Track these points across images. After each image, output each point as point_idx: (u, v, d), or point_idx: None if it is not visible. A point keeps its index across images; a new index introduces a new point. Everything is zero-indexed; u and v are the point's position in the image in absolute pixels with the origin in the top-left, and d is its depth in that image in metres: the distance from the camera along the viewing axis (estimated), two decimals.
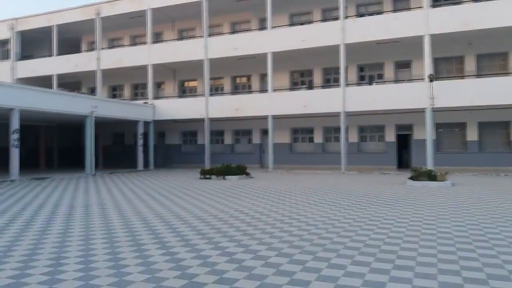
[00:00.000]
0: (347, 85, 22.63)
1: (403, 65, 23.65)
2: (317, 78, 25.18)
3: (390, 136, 23.48)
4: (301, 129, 25.83)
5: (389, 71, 23.66)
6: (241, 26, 27.21)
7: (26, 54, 31.57)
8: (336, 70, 23.99)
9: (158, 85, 29.55)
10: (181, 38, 28.50)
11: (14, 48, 30.56)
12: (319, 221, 7.69)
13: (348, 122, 22.68)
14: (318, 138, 25.07)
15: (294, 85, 26.09)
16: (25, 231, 6.96)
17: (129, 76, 29.38)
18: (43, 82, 28.75)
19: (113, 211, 9.01)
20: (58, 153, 29.34)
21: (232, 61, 25.48)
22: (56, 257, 5.30)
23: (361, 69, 24.65)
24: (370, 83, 23.84)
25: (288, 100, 23.29)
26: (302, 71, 25.99)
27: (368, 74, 24.55)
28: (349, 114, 22.22)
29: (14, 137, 17.63)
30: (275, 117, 23.57)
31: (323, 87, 24.64)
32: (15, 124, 17.64)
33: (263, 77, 26.14)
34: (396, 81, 23.38)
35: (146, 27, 26.49)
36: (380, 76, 24.10)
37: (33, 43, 31.56)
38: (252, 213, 8.59)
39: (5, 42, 31.60)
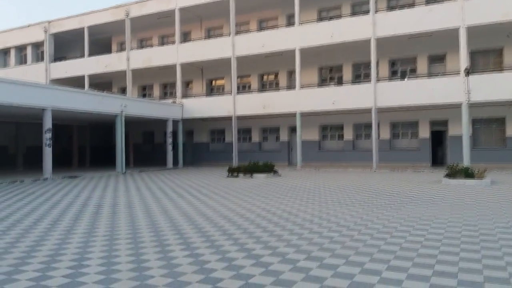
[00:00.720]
0: (378, 80, 21.97)
1: (437, 59, 22.72)
2: (347, 74, 24.57)
3: (424, 132, 22.61)
4: (330, 126, 25.30)
5: (422, 66, 22.78)
6: (268, 23, 26.91)
7: (59, 55, 32.42)
8: (367, 65, 23.34)
9: (187, 84, 29.68)
10: (208, 37, 28.48)
11: (48, 50, 31.42)
12: (350, 221, 7.33)
13: (380, 118, 22.02)
14: (348, 135, 24.47)
15: (323, 82, 25.57)
16: (51, 230, 6.94)
17: (158, 75, 29.64)
18: (76, 82, 29.46)
19: (140, 210, 8.94)
20: (90, 151, 29.96)
21: (259, 58, 25.23)
22: (79, 258, 5.20)
23: (392, 63, 23.87)
24: (402, 78, 23.03)
25: (316, 96, 22.82)
26: (331, 67, 25.43)
27: (400, 69, 23.73)
28: (380, 110, 21.56)
29: (47, 136, 18.01)
30: (303, 114, 23.17)
31: (353, 83, 24.00)
32: (47, 123, 18.03)
33: (291, 74, 25.77)
34: (430, 75, 22.48)
35: (174, 26, 26.59)
36: (413, 71, 23.25)
37: (66, 44, 32.37)
38: (280, 213, 8.31)
39: (39, 44, 32.54)
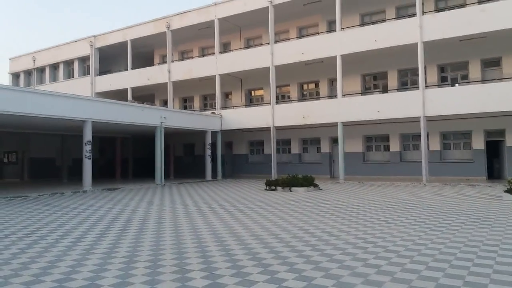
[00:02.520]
0: (427, 87, 20.56)
1: (491, 63, 20.99)
2: (392, 81, 23.26)
3: (478, 143, 20.84)
4: (375, 136, 24.01)
5: (475, 70, 21.10)
6: (308, 30, 26.18)
7: (104, 69, 33.28)
8: (414, 71, 21.99)
9: (226, 95, 29.44)
10: (247, 47, 28.12)
11: (93, 64, 32.33)
12: (400, 245, 6.36)
13: (429, 128, 20.54)
14: (394, 146, 23.07)
15: (366, 90, 24.39)
16: (72, 248, 6.50)
17: (198, 87, 29.61)
18: (120, 95, 29.99)
19: (168, 226, 8.38)
20: (134, 163, 30.30)
21: (299, 67, 24.48)
22: (89, 284, 4.64)
23: (442, 69, 22.34)
24: (453, 85, 21.44)
25: (360, 105, 21.68)
26: (375, 73, 24.23)
27: (450, 75, 22.16)
28: (429, 119, 20.10)
29: (87, 148, 18.12)
30: (345, 124, 22.09)
31: (399, 90, 22.66)
32: (87, 135, 18.15)
33: (332, 82, 24.80)
34: (484, 81, 20.77)
35: (214, 38, 26.45)
36: (465, 77, 21.61)
37: (111, 58, 33.20)
38: (319, 234, 7.46)
39: (86, 58, 33.59)
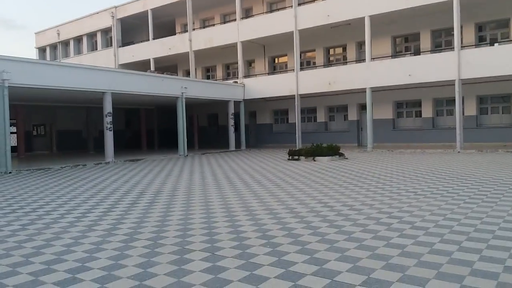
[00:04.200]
0: (463, 47, 19.03)
1: None
2: (425, 43, 21.71)
3: None
4: (406, 102, 22.74)
5: None
6: None
7: (127, 41, 32.91)
8: (449, 31, 20.41)
9: (249, 63, 28.57)
10: (270, 11, 26.89)
11: (115, 35, 31.98)
12: (429, 221, 5.67)
13: (464, 92, 19.17)
14: (427, 112, 21.78)
15: (397, 53, 22.95)
16: (74, 224, 6.17)
17: (221, 56, 28.83)
18: (143, 67, 29.61)
19: (181, 197, 7.96)
20: (160, 134, 30.28)
21: (324, 30, 23.22)
22: (77, 268, 4.24)
23: (479, 28, 20.62)
24: (492, 44, 19.76)
25: (389, 69, 20.41)
26: (406, 35, 22.70)
27: (489, 34, 20.47)
28: (465, 82, 18.72)
29: (107, 120, 17.93)
30: (374, 90, 20.93)
31: (432, 52, 21.13)
32: (107, 107, 17.92)
33: (361, 45, 23.47)
34: None
35: (235, 3, 25.38)
36: (505, 35, 19.88)
37: (133, 29, 32.74)
38: (339, 207, 6.83)
39: (108, 30, 33.25)
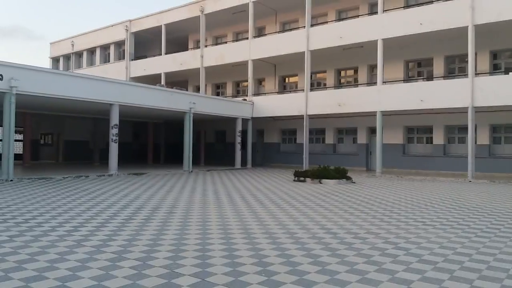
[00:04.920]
0: (477, 74, 18.70)
1: None
2: (438, 68, 21.43)
3: None
4: (417, 127, 22.34)
5: None
6: (348, 13, 24.63)
7: (140, 54, 33.17)
8: (462, 58, 20.14)
9: (259, 82, 28.50)
10: (283, 31, 26.94)
11: (128, 48, 32.26)
12: (438, 255, 5.28)
13: (477, 120, 18.75)
14: (438, 138, 21.34)
15: (409, 77, 22.68)
16: (64, 238, 5.88)
17: (231, 73, 28.84)
18: (154, 81, 29.67)
19: (179, 215, 7.65)
20: (166, 149, 30.14)
21: (336, 52, 23.09)
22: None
23: (494, 56, 20.31)
24: (506, 73, 19.40)
25: (401, 93, 20.11)
26: (419, 60, 22.45)
27: (504, 62, 20.12)
28: (478, 110, 18.32)
29: (113, 132, 17.80)
30: (385, 114, 20.61)
31: (445, 78, 20.83)
32: (114, 119, 17.82)
33: (372, 68, 23.25)
34: None
35: (249, 22, 25.47)
36: None
37: (146, 43, 33.04)
38: (343, 234, 6.46)
39: (121, 43, 33.58)
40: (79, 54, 37.41)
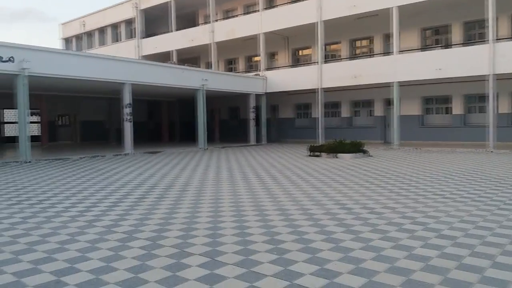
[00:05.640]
0: (497, 40, 17.90)
1: None
2: (456, 35, 20.62)
3: None
4: (434, 97, 21.72)
5: None
6: None
7: (150, 32, 32.79)
8: (481, 23, 19.27)
9: (271, 56, 27.97)
10: (294, 1, 26.17)
11: (138, 26, 31.93)
12: (458, 229, 5.08)
13: (498, 88, 18.06)
14: (457, 108, 20.74)
15: (426, 46, 21.91)
16: (76, 218, 5.87)
17: (242, 48, 28.33)
18: (165, 58, 29.46)
19: (192, 193, 7.59)
20: (182, 127, 30.14)
21: (350, 21, 22.35)
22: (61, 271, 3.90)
23: None
24: None
25: (418, 62, 19.46)
26: (436, 27, 21.61)
27: None
28: (499, 78, 17.62)
29: (126, 111, 17.79)
30: (401, 84, 20.03)
31: (464, 45, 20.04)
32: (126, 98, 17.76)
33: (387, 38, 22.48)
34: None
35: None
36: None
37: (155, 20, 32.58)
38: (358, 210, 6.29)
39: (131, 21, 33.21)
40: (90, 34, 37.24)
